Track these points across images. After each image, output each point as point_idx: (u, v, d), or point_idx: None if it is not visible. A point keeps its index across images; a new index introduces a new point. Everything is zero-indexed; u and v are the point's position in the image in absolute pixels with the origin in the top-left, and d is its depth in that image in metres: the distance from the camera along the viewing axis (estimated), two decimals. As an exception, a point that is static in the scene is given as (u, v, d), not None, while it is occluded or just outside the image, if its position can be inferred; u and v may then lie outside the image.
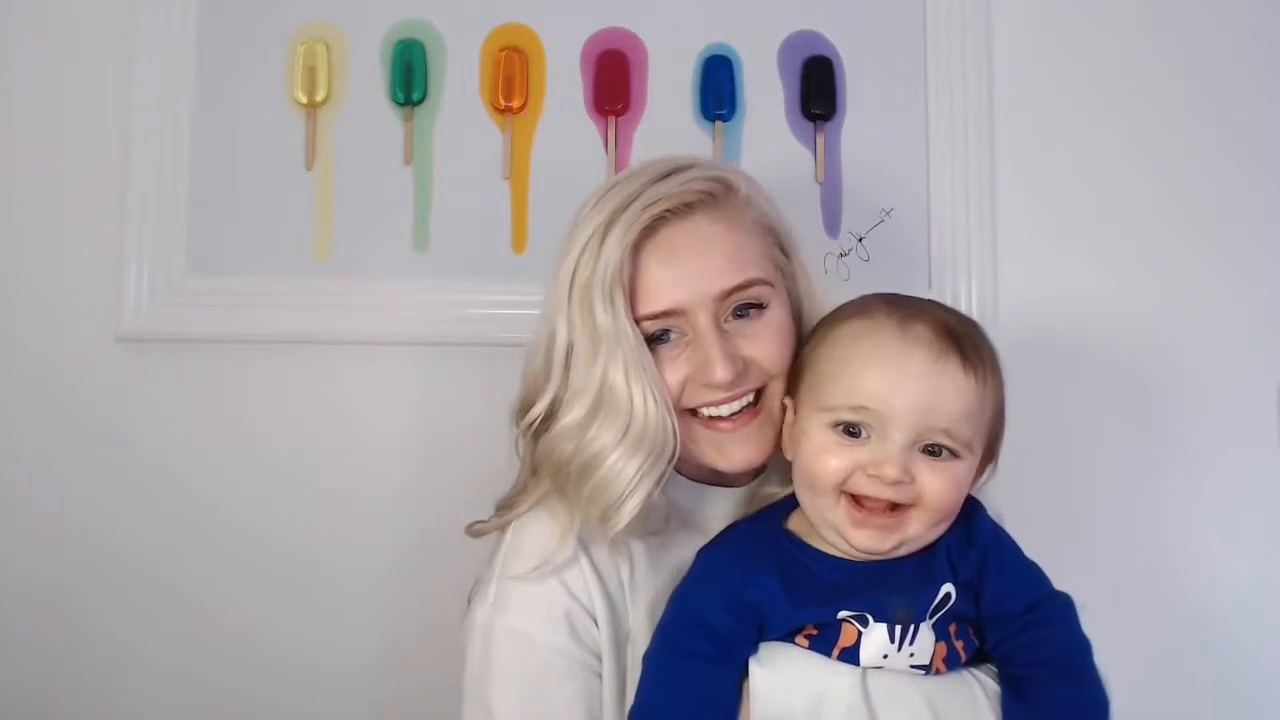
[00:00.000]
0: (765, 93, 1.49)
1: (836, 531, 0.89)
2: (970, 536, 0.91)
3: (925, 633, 0.87)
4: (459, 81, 1.48)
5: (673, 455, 0.96)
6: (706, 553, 0.95)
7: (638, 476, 0.94)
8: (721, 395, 0.96)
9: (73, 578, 1.44)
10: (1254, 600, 1.48)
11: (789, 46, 1.50)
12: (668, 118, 1.48)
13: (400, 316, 1.44)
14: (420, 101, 1.47)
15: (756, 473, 1.04)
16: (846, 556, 0.90)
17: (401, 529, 1.45)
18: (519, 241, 1.47)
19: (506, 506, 1.06)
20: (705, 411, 0.97)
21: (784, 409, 0.96)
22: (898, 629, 0.87)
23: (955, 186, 1.48)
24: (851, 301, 0.94)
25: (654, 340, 0.97)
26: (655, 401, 0.94)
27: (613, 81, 1.48)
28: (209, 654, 1.44)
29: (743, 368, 0.95)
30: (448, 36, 1.48)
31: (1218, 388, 1.49)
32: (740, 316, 0.97)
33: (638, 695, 0.91)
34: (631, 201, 0.96)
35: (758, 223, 1.01)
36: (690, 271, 0.95)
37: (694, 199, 0.97)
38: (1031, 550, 1.44)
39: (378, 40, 1.48)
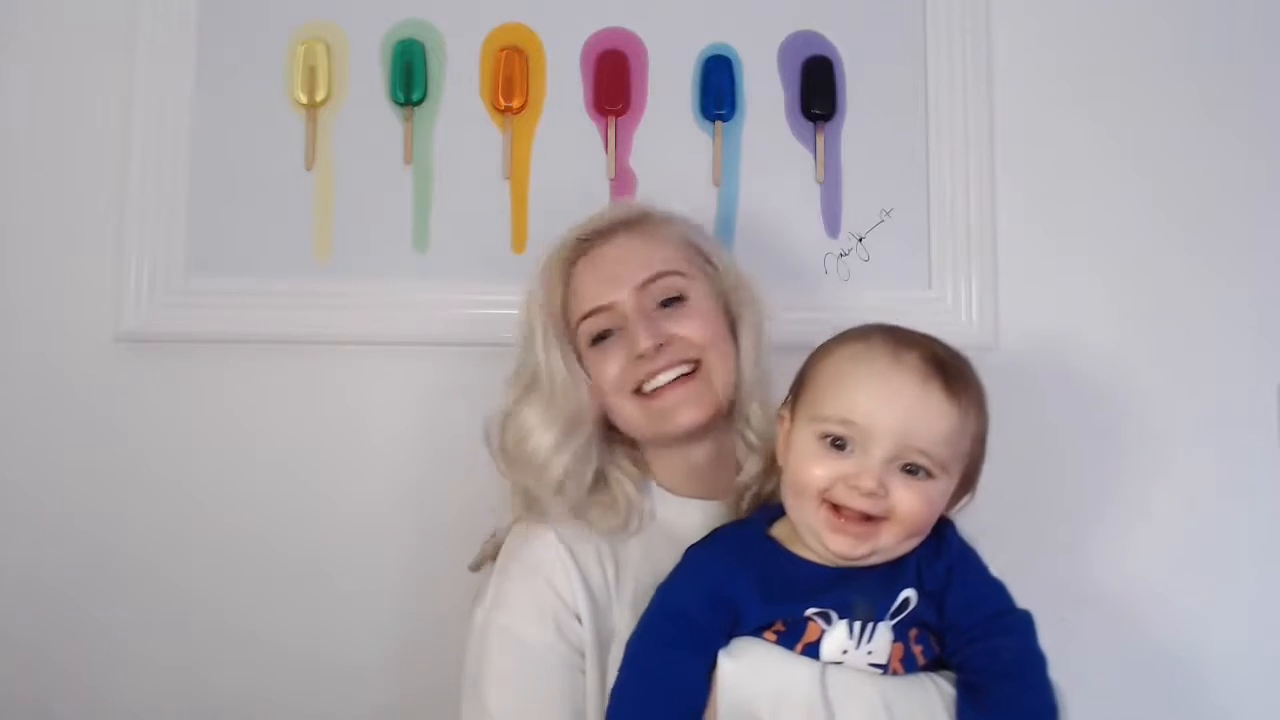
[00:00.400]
0: (765, 93, 1.49)
1: (815, 535, 0.94)
2: (940, 550, 0.97)
3: (883, 632, 0.93)
4: (459, 81, 1.48)
5: (588, 428, 1.10)
6: (692, 550, 1.01)
7: (556, 444, 1.09)
8: (654, 365, 1.08)
9: (73, 578, 1.44)
10: (1254, 600, 1.48)
11: (789, 46, 1.50)
12: (668, 118, 1.48)
13: (400, 316, 1.44)
14: (420, 101, 1.48)
15: (738, 493, 1.13)
16: (822, 561, 0.95)
17: (401, 528, 1.45)
18: (519, 241, 1.47)
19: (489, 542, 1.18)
20: (648, 386, 1.09)
21: (781, 419, 1.03)
22: (857, 626, 0.93)
23: (955, 186, 1.48)
24: (856, 327, 1.02)
25: (598, 339, 1.11)
26: (567, 384, 1.10)
27: (613, 81, 1.48)
28: (208, 654, 1.44)
29: (666, 339, 1.08)
30: (448, 36, 1.48)
31: (1218, 388, 1.49)
32: (666, 306, 1.11)
33: (617, 679, 0.97)
34: (568, 236, 1.17)
35: (675, 236, 1.16)
36: (613, 273, 1.12)
37: (611, 223, 1.16)
38: (1029, 544, 1.45)
39: (378, 40, 1.48)
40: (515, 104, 1.48)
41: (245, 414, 1.46)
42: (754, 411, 1.14)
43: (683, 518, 1.10)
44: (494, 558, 1.15)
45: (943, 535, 0.98)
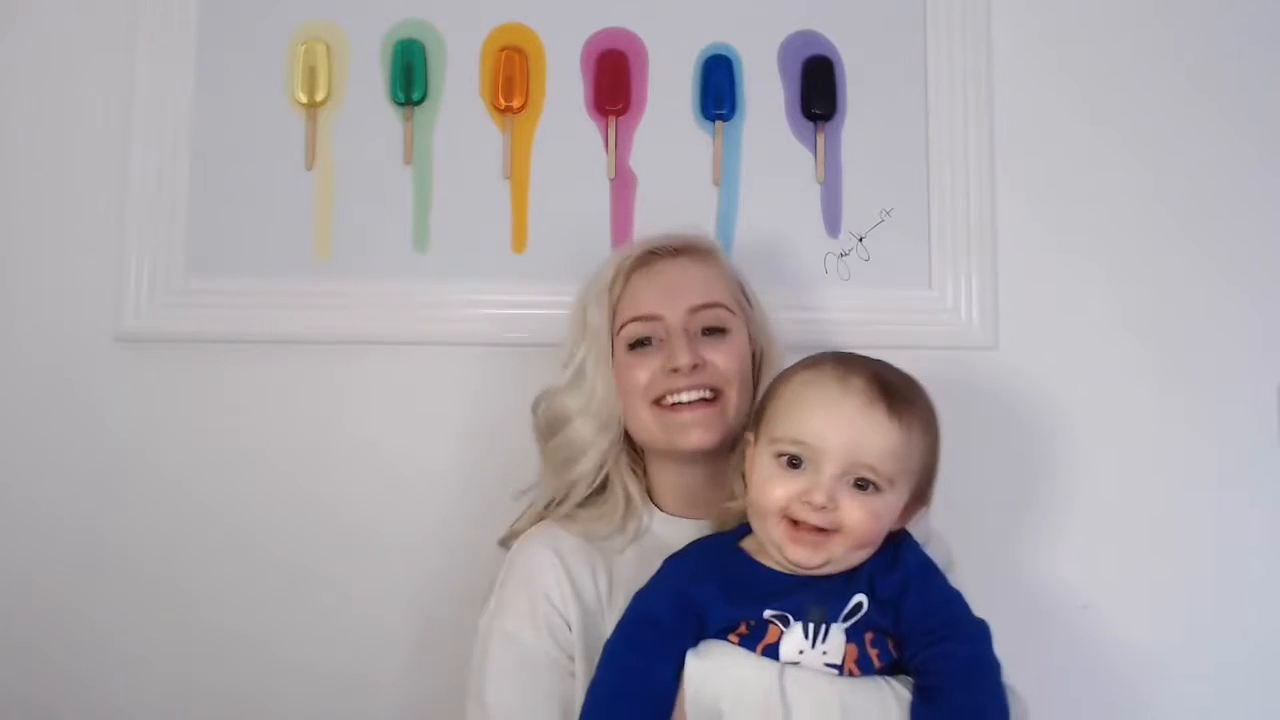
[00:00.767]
0: (765, 93, 1.49)
1: (776, 547, 1.02)
2: (896, 561, 1.03)
3: (836, 633, 1.00)
4: (459, 81, 1.48)
5: (620, 435, 1.19)
6: (668, 559, 1.09)
7: (589, 437, 1.18)
8: (681, 382, 1.15)
9: (72, 578, 1.44)
10: (1256, 599, 1.48)
11: (789, 46, 1.50)
12: (668, 118, 1.48)
13: (400, 316, 1.44)
14: (420, 101, 1.48)
15: (725, 517, 1.17)
16: (782, 570, 1.03)
17: (402, 529, 1.44)
18: (519, 241, 1.47)
19: (523, 515, 1.25)
20: (669, 399, 1.16)
21: (746, 443, 1.09)
22: (811, 628, 0.99)
23: (955, 186, 1.48)
24: (808, 357, 1.09)
25: (637, 345, 1.18)
26: (607, 387, 1.19)
27: (613, 81, 1.48)
28: (209, 657, 1.44)
29: (702, 363, 1.16)
30: (448, 36, 1.48)
31: (1218, 388, 1.49)
32: (707, 335, 1.18)
33: (594, 678, 1.04)
34: (633, 245, 1.25)
35: (728, 274, 1.24)
36: (669, 288, 1.18)
37: (681, 245, 1.23)
38: (1029, 542, 1.45)
39: (378, 40, 1.48)
40: (515, 104, 1.48)
41: (245, 414, 1.46)
42: None
43: (676, 535, 1.15)
44: (522, 532, 1.22)
45: (899, 549, 1.04)
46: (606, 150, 1.48)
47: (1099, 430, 1.49)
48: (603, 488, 1.21)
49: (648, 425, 1.17)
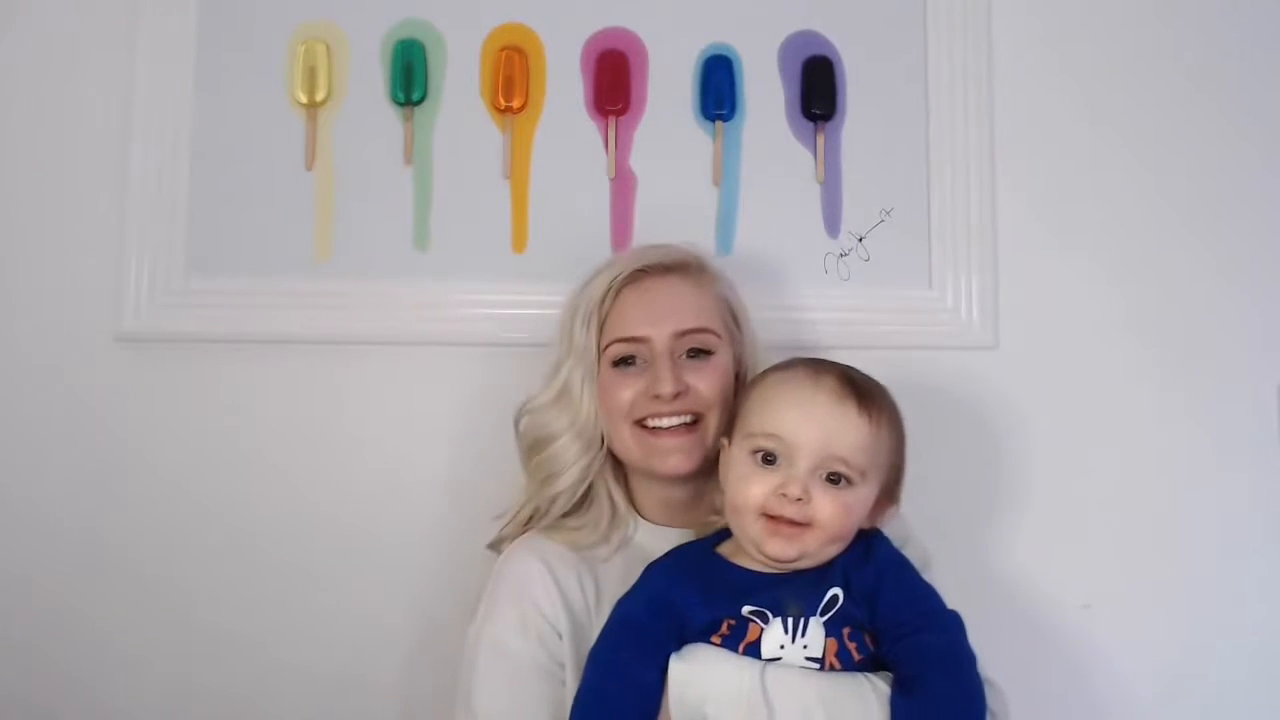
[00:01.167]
0: (765, 93, 1.49)
1: (754, 544, 1.05)
2: (869, 556, 1.06)
3: (815, 627, 1.02)
4: (459, 81, 1.48)
5: (600, 449, 1.20)
6: (648, 567, 1.11)
7: (574, 456, 1.19)
8: (663, 408, 1.16)
9: (72, 578, 1.44)
10: (1257, 599, 1.48)
11: (789, 46, 1.50)
12: (668, 118, 1.48)
13: (400, 316, 1.44)
14: (420, 101, 1.48)
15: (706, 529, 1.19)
16: (758, 568, 1.06)
17: (402, 529, 1.44)
18: (519, 241, 1.47)
19: (511, 519, 1.25)
20: (650, 422, 1.17)
21: (723, 446, 1.12)
22: (790, 621, 1.02)
23: (955, 186, 1.48)
24: (780, 362, 1.13)
25: (621, 363, 1.19)
26: (592, 405, 1.19)
27: (613, 81, 1.48)
28: (208, 657, 1.44)
29: (685, 389, 1.16)
30: (448, 36, 1.48)
31: (1218, 388, 1.49)
32: (692, 357, 1.18)
33: (580, 684, 1.06)
34: (623, 259, 1.24)
35: (718, 295, 1.24)
36: (658, 311, 1.18)
37: (672, 263, 1.22)
38: (1029, 542, 1.45)
39: (378, 40, 1.48)
40: (515, 104, 1.48)
41: (245, 414, 1.46)
42: None
43: (661, 544, 1.16)
44: (511, 540, 1.23)
45: (871, 545, 1.07)
46: (606, 150, 1.48)
47: (1099, 430, 1.49)
48: (586, 498, 1.22)
49: (628, 445, 1.18)
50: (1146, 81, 1.52)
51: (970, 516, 1.48)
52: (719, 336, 1.20)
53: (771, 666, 1.01)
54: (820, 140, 1.49)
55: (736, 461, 1.07)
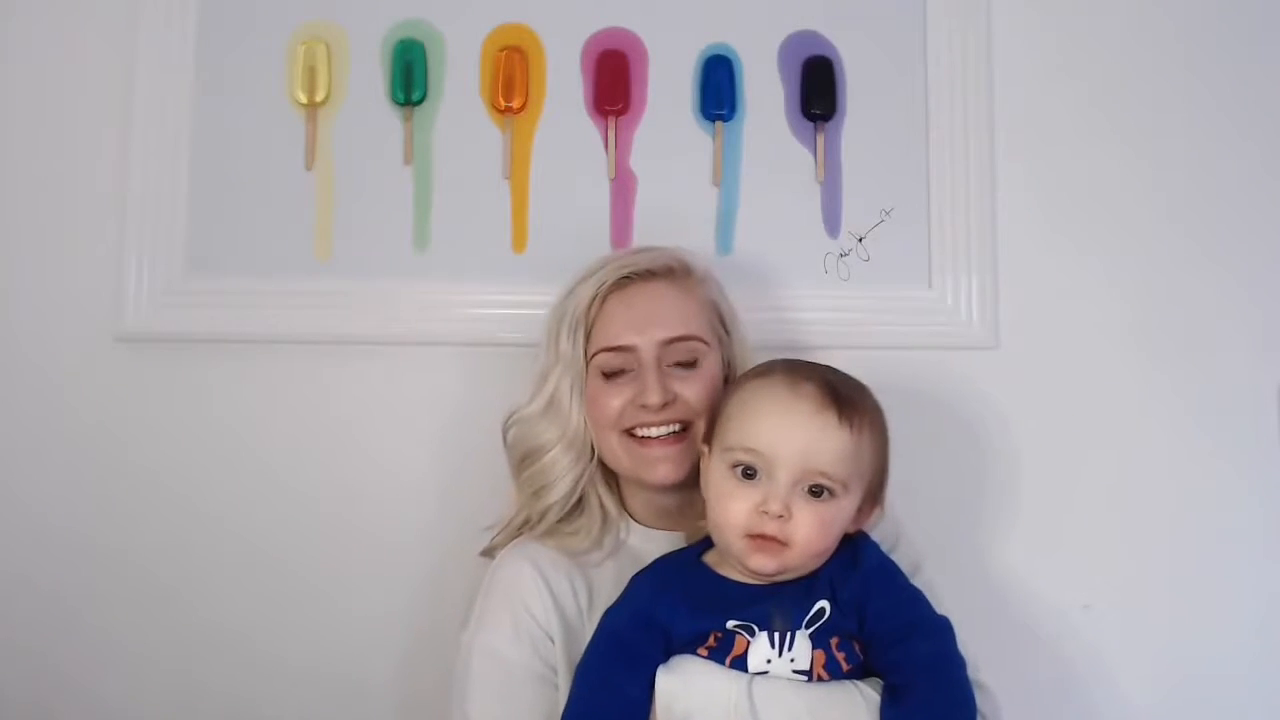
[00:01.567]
0: (765, 93, 1.49)
1: (738, 558, 1.03)
2: (855, 563, 1.05)
3: (802, 640, 1.01)
4: (459, 81, 1.48)
5: (592, 459, 1.19)
6: (633, 577, 1.10)
7: (565, 467, 1.19)
8: (651, 417, 1.15)
9: (72, 579, 1.44)
10: (1257, 600, 1.48)
11: (789, 46, 1.50)
12: (668, 118, 1.48)
13: (400, 316, 1.44)
14: (420, 101, 1.48)
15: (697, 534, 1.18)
16: (744, 580, 1.04)
17: (402, 529, 1.44)
18: (519, 241, 1.47)
19: (503, 528, 1.25)
20: (640, 432, 1.16)
21: (702, 454, 1.10)
22: (777, 635, 1.01)
23: (955, 186, 1.48)
24: (760, 364, 1.12)
25: (608, 375, 1.17)
26: (581, 416, 1.19)
27: (613, 81, 1.48)
28: (208, 659, 1.44)
29: (672, 398, 1.15)
30: (448, 36, 1.48)
31: (1218, 388, 1.49)
32: (680, 366, 1.17)
33: (568, 701, 1.06)
34: (608, 264, 1.21)
35: (705, 299, 1.22)
36: (644, 319, 1.17)
37: (658, 268, 1.20)
38: (1029, 541, 1.45)
39: (378, 40, 1.48)
40: (515, 104, 1.48)
41: (245, 414, 1.46)
42: None
43: (653, 547, 1.17)
44: (502, 547, 1.22)
45: (858, 552, 1.06)
46: (606, 150, 1.48)
47: (1099, 430, 1.49)
48: (578, 506, 1.21)
49: (617, 454, 1.17)
50: (1146, 81, 1.52)
51: (970, 516, 1.48)
52: (706, 344, 1.19)
53: (759, 679, 1.00)
54: (820, 140, 1.49)
55: (716, 475, 1.05)
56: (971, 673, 1.04)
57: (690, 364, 1.17)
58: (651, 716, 1.02)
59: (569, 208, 1.47)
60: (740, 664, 1.01)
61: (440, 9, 1.49)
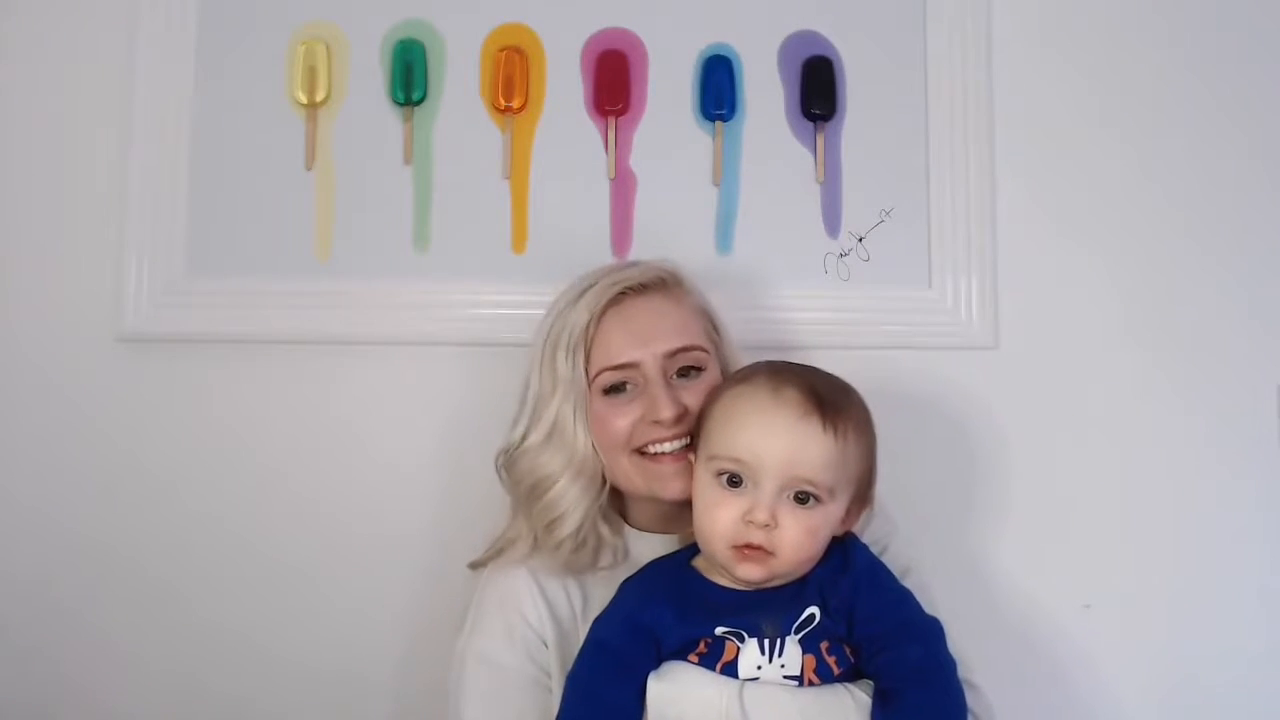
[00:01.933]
0: (765, 93, 1.49)
1: (725, 567, 1.04)
2: (844, 566, 1.05)
3: (791, 646, 1.01)
4: (459, 81, 1.48)
5: (602, 486, 1.16)
6: (623, 583, 1.10)
7: (575, 497, 1.15)
8: (664, 433, 1.13)
9: (72, 579, 1.44)
10: (1257, 601, 1.48)
11: (789, 46, 1.50)
12: (668, 118, 1.48)
13: (400, 316, 1.44)
14: (420, 101, 1.48)
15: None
16: (733, 586, 1.04)
17: (402, 529, 1.44)
18: (519, 241, 1.47)
19: (497, 542, 1.23)
20: (651, 449, 1.14)
21: (690, 461, 1.11)
22: (766, 642, 1.01)
23: (955, 186, 1.48)
24: (743, 368, 1.12)
25: (611, 391, 1.15)
26: (588, 440, 1.15)
27: (613, 81, 1.48)
28: (208, 658, 1.44)
29: (683, 411, 1.13)
30: (448, 36, 1.48)
31: (1218, 388, 1.49)
32: (683, 376, 1.16)
33: (559, 710, 1.06)
34: (598, 281, 1.19)
35: (697, 306, 1.22)
36: (645, 334, 1.15)
37: (650, 281, 1.19)
38: (1029, 541, 1.45)
39: (378, 40, 1.48)
40: (515, 104, 1.48)
41: (245, 414, 1.46)
42: None
43: (650, 551, 1.16)
44: (493, 559, 1.21)
45: (847, 555, 1.06)
46: (606, 150, 1.48)
47: (1099, 430, 1.49)
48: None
49: (628, 474, 1.15)
50: (1147, 81, 1.52)
51: (970, 517, 1.48)
52: (707, 352, 1.18)
53: (750, 685, 1.00)
54: (820, 140, 1.49)
55: (702, 484, 1.05)
56: (963, 673, 1.04)
57: (691, 373, 1.16)
58: None
59: (569, 208, 1.47)
60: (731, 670, 1.01)
61: (440, 9, 1.49)
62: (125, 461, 1.45)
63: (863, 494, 1.07)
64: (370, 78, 1.48)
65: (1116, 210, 1.51)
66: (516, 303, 1.42)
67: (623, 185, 1.47)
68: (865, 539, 1.12)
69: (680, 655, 1.03)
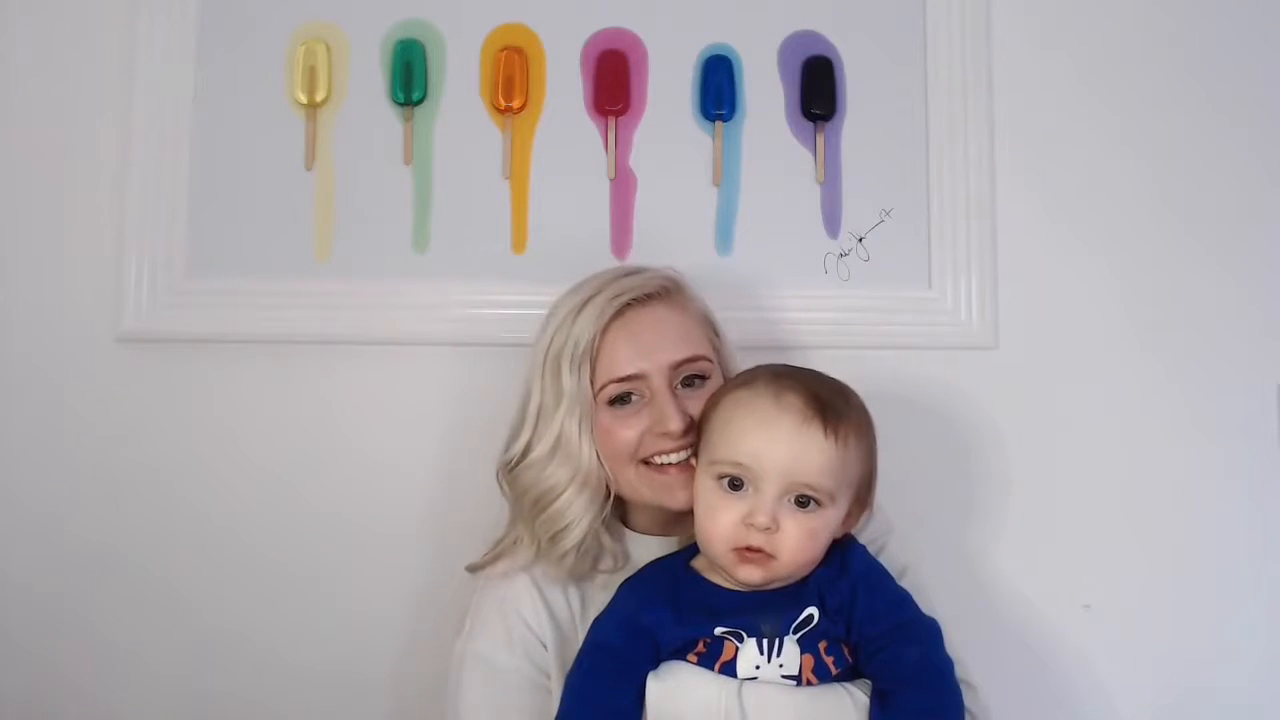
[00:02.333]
0: (765, 93, 1.49)
1: (726, 569, 1.04)
2: (843, 568, 1.05)
3: (790, 646, 1.02)
4: (459, 81, 1.48)
5: (607, 497, 1.16)
6: (622, 584, 1.11)
7: (580, 509, 1.15)
8: (671, 444, 1.13)
9: (72, 579, 1.45)
10: (1257, 601, 1.48)
11: (789, 46, 1.50)
12: (668, 118, 1.48)
13: (400, 316, 1.44)
14: (420, 101, 1.48)
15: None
16: (733, 588, 1.05)
17: (403, 530, 1.44)
18: (519, 241, 1.47)
19: (495, 546, 1.23)
20: (658, 460, 1.14)
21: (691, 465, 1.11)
22: (765, 642, 1.02)
23: (955, 186, 1.48)
24: (744, 371, 1.12)
25: (616, 402, 1.15)
26: (593, 452, 1.15)
27: (613, 81, 1.48)
28: (208, 659, 1.44)
29: (690, 423, 1.13)
30: (448, 36, 1.48)
31: (1218, 388, 1.49)
32: (688, 385, 1.16)
33: (558, 711, 1.06)
34: (600, 291, 1.17)
35: (699, 313, 1.22)
36: (650, 346, 1.15)
37: (654, 290, 1.18)
38: (1029, 542, 1.45)
39: (378, 40, 1.48)
40: (515, 104, 1.48)
41: (245, 414, 1.46)
42: None
43: (648, 554, 1.16)
44: (493, 564, 1.21)
45: (846, 557, 1.06)
46: (606, 150, 1.48)
47: (1098, 430, 1.49)
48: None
49: (634, 485, 1.15)
50: (1147, 81, 1.52)
51: (969, 516, 1.48)
52: (711, 361, 1.18)
53: (749, 684, 1.01)
54: (820, 140, 1.49)
55: (703, 488, 1.05)
56: (961, 673, 1.05)
57: (695, 382, 1.16)
58: None
59: (569, 208, 1.47)
60: (729, 670, 1.02)
61: (440, 9, 1.49)
62: (125, 462, 1.45)
63: (863, 497, 1.08)
64: (370, 78, 1.48)
65: (1116, 210, 1.51)
66: (516, 303, 1.42)
67: (623, 185, 1.48)
68: (862, 539, 1.12)
69: (679, 655, 1.04)
